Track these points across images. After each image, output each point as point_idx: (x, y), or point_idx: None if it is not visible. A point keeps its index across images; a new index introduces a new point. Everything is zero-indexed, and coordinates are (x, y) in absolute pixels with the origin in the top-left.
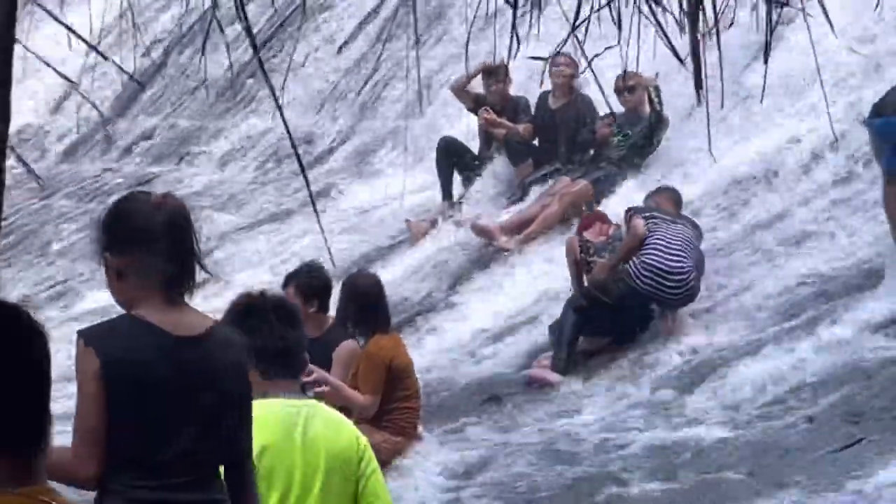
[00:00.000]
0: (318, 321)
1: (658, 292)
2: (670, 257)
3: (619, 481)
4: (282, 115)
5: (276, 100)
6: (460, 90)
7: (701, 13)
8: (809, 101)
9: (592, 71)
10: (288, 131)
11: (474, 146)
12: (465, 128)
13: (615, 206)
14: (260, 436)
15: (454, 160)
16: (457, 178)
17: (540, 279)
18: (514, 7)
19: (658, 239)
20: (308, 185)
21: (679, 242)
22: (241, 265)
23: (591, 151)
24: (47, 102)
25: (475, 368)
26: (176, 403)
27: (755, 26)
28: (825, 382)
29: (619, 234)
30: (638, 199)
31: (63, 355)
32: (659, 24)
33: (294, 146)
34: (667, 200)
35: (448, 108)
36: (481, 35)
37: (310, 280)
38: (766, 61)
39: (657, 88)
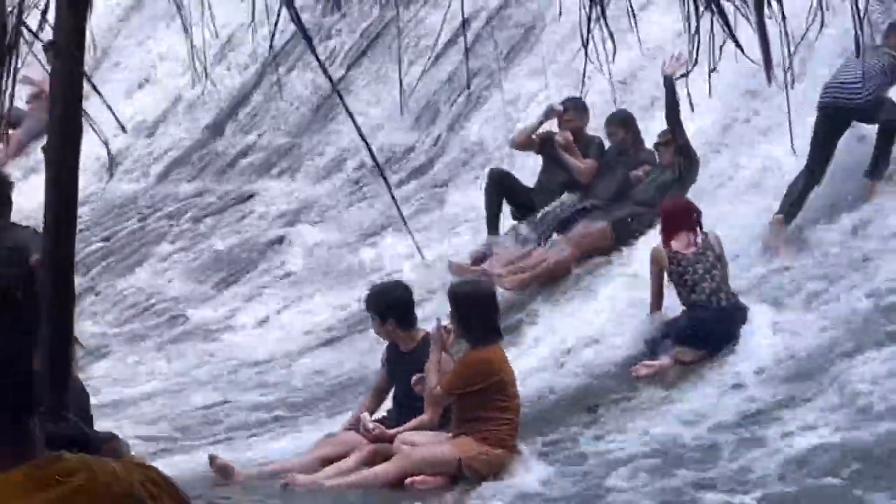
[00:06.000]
0: (405, 336)
1: None
2: None
3: (719, 489)
4: (361, 136)
5: (354, 122)
6: (525, 143)
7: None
8: None
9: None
10: (370, 149)
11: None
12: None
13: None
14: None
15: (504, 193)
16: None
17: (625, 289)
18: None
19: None
20: (394, 198)
21: None
22: (340, 279)
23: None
24: (144, 124)
25: (568, 380)
26: None
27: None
28: None
29: (707, 242)
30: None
31: (168, 371)
32: (721, 11)
33: (376, 161)
34: None
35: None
36: (574, 40)
37: (379, 300)
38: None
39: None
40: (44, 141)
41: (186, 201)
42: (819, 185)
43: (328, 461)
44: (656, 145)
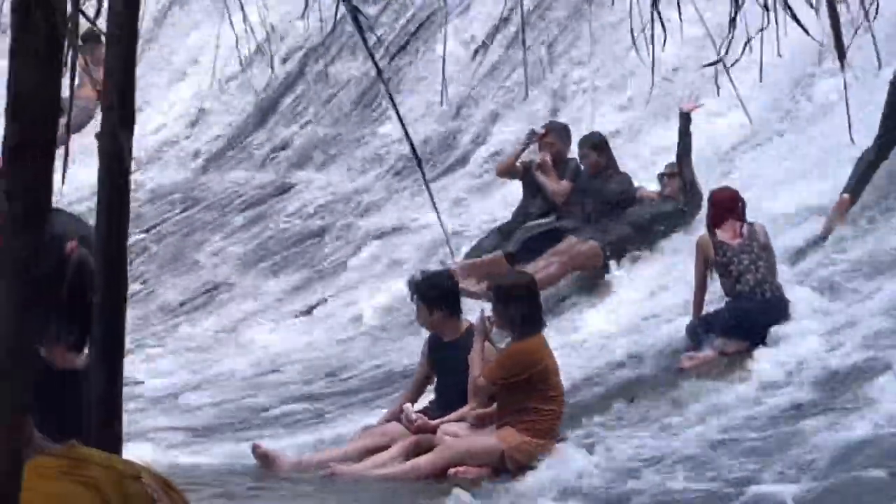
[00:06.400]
0: (451, 325)
1: None
2: None
3: (763, 482)
4: (403, 127)
5: (397, 113)
6: (508, 169)
7: None
8: None
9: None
10: (410, 141)
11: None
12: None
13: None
14: None
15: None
16: None
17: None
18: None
19: None
20: (430, 191)
21: None
22: (382, 271)
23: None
24: (187, 115)
25: (610, 370)
26: None
27: None
28: None
29: (752, 232)
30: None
31: (221, 366)
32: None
33: (415, 154)
34: None
35: (580, 111)
36: (620, 27)
37: (427, 288)
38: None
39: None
40: (86, 131)
41: (229, 192)
42: (886, 160)
43: (370, 452)
44: (661, 175)
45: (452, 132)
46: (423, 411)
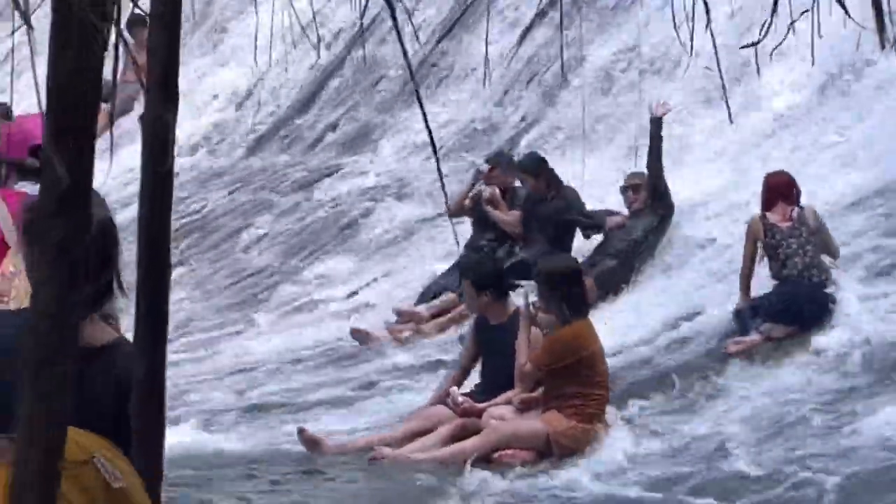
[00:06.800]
0: (498, 308)
1: None
2: None
3: (809, 467)
4: (427, 124)
5: (425, 120)
6: (458, 209)
7: None
8: None
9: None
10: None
11: None
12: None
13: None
14: None
15: None
16: None
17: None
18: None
19: None
20: (442, 182)
21: None
22: (426, 255)
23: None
24: (234, 98)
25: (657, 355)
26: None
27: None
28: None
29: (803, 217)
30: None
31: (265, 349)
32: None
33: (433, 146)
34: None
35: (627, 94)
36: (662, 20)
37: (477, 271)
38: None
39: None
40: (130, 115)
41: (275, 175)
42: None
43: (415, 435)
44: (623, 188)
45: (498, 117)
46: (469, 395)
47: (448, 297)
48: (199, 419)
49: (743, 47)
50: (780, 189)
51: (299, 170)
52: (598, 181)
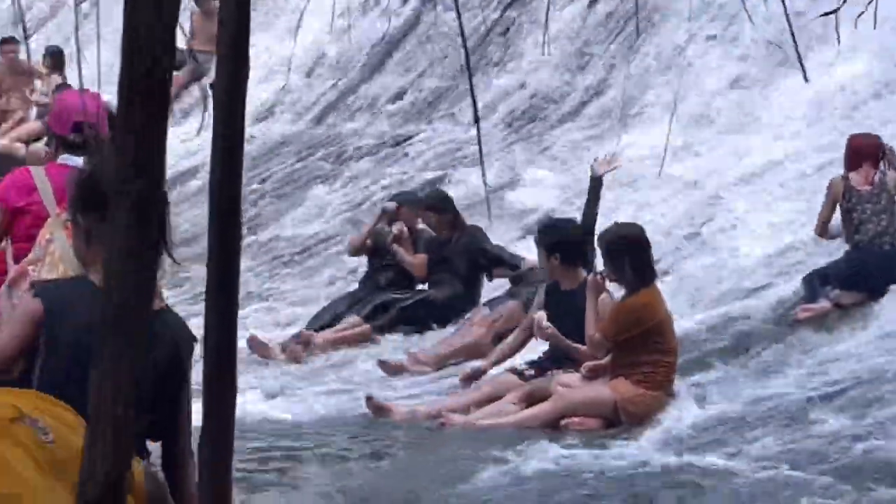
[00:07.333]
0: (569, 274)
1: None
2: None
3: (874, 438)
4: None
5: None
6: (359, 247)
7: None
8: None
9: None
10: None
11: None
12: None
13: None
14: None
15: None
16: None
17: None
18: None
19: None
20: (480, 147)
21: None
22: (495, 221)
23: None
24: (302, 66)
25: (725, 322)
26: None
27: None
28: None
29: (884, 183)
30: None
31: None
32: None
33: (476, 116)
34: None
35: (697, 63)
36: None
37: (548, 234)
38: None
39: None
40: (198, 84)
41: (342, 143)
42: None
43: (484, 402)
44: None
45: (565, 85)
46: (537, 361)
47: (351, 320)
48: (263, 388)
49: (823, 14)
50: (864, 151)
51: (366, 138)
52: (656, 156)
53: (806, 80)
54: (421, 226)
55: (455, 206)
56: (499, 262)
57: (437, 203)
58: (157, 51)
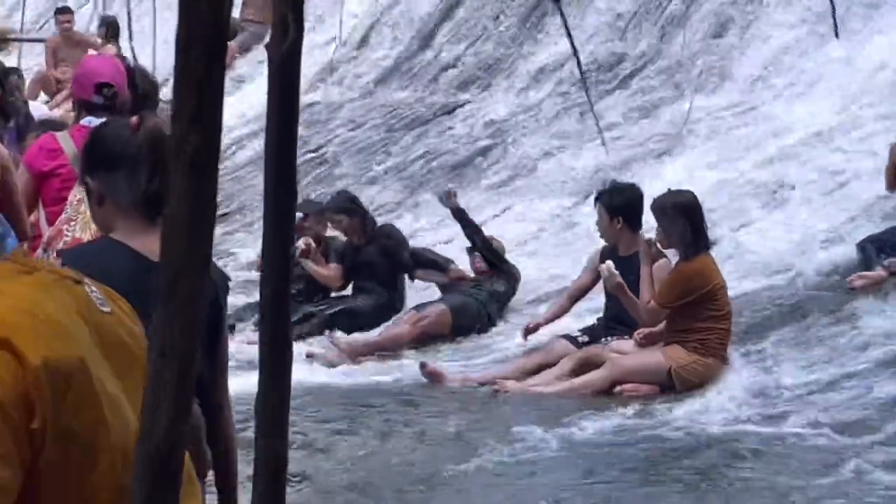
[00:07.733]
0: (628, 239)
1: None
2: None
3: None
4: (572, 43)
5: (567, 32)
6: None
7: None
8: None
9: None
10: (578, 61)
11: None
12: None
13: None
14: None
15: None
16: None
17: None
18: None
19: None
20: (592, 108)
21: None
22: (546, 189)
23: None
24: (355, 34)
25: (780, 289)
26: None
27: None
28: None
29: None
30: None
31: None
32: None
33: (580, 70)
34: None
35: (752, 27)
36: None
37: (612, 197)
38: None
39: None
40: (253, 55)
41: (397, 111)
42: None
43: (537, 370)
44: (469, 249)
45: (619, 51)
46: (589, 328)
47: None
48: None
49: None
50: None
51: (421, 105)
52: (705, 121)
53: (837, 35)
54: (330, 233)
55: (364, 207)
56: (430, 264)
57: (345, 205)
58: (211, 3)
